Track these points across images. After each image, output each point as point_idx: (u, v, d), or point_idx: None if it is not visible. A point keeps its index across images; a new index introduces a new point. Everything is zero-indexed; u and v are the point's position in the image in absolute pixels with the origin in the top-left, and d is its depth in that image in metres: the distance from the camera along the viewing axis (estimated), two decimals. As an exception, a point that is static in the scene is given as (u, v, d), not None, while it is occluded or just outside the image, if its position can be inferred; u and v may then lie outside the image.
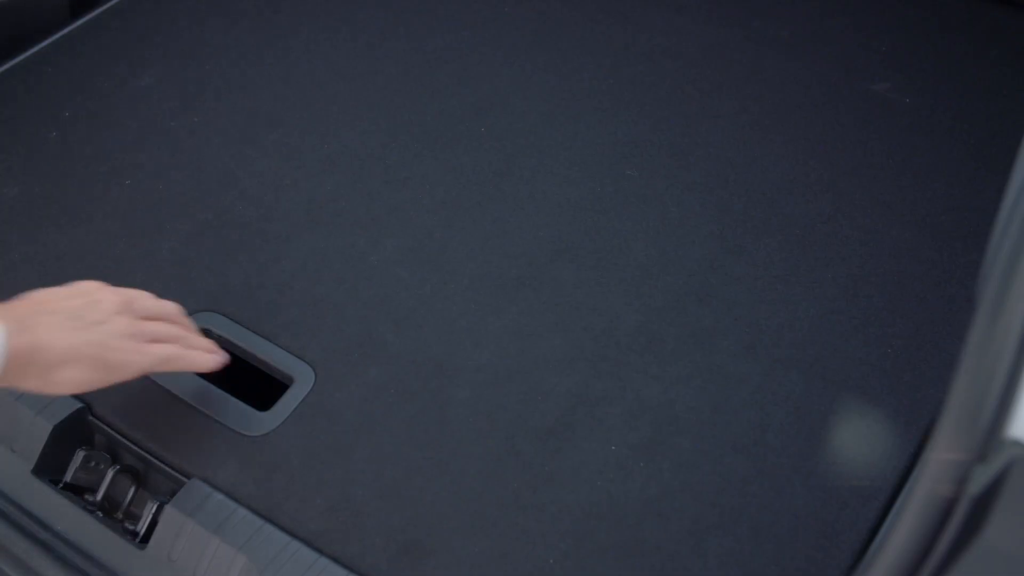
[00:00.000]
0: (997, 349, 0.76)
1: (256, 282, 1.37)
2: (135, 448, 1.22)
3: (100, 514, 1.19)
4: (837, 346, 1.28)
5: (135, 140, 1.56)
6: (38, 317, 1.06)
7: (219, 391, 1.26)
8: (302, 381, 1.27)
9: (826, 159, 1.51)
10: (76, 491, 1.22)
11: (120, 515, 1.21)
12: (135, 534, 1.18)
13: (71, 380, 1.08)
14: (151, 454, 1.21)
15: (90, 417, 1.24)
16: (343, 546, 1.13)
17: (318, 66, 1.68)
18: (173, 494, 1.18)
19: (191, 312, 1.32)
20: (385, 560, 1.12)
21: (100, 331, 1.10)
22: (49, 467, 1.22)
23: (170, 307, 1.21)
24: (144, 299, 1.18)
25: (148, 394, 1.24)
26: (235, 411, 1.24)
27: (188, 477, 1.19)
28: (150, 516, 1.19)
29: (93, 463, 1.22)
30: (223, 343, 1.28)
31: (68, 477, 1.22)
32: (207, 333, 1.28)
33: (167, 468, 1.21)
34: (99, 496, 1.21)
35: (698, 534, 1.13)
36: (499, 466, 1.19)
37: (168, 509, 1.16)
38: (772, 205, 1.45)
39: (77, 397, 1.23)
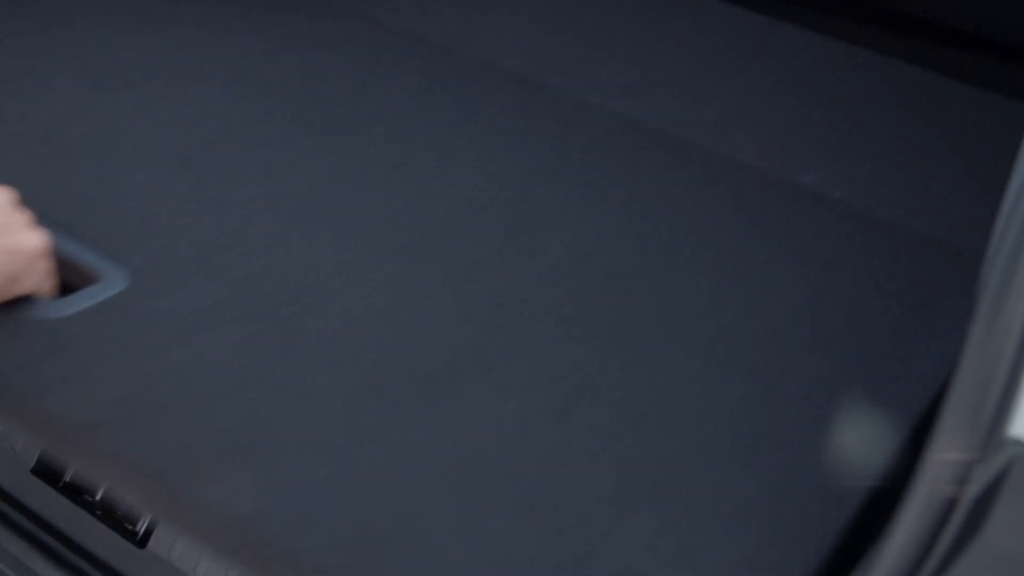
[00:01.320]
0: (997, 349, 0.77)
1: (75, 196, 1.23)
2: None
3: (100, 513, 1.19)
4: (784, 358, 1.18)
5: None
6: None
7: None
8: (112, 282, 1.11)
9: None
10: (75, 491, 1.21)
11: (120, 515, 1.19)
12: (135, 534, 1.17)
13: None
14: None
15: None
16: (125, 438, 0.95)
17: (186, 34, 1.61)
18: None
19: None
20: (187, 465, 0.94)
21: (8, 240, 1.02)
22: (49, 467, 1.21)
23: None
24: None
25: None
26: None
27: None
28: (149, 516, 1.17)
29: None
30: None
31: (68, 477, 1.21)
32: None
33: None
34: (98, 496, 1.20)
35: (621, 504, 0.98)
36: (358, 399, 1.03)
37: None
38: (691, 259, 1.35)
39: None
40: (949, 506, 0.77)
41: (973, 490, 0.77)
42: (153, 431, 0.95)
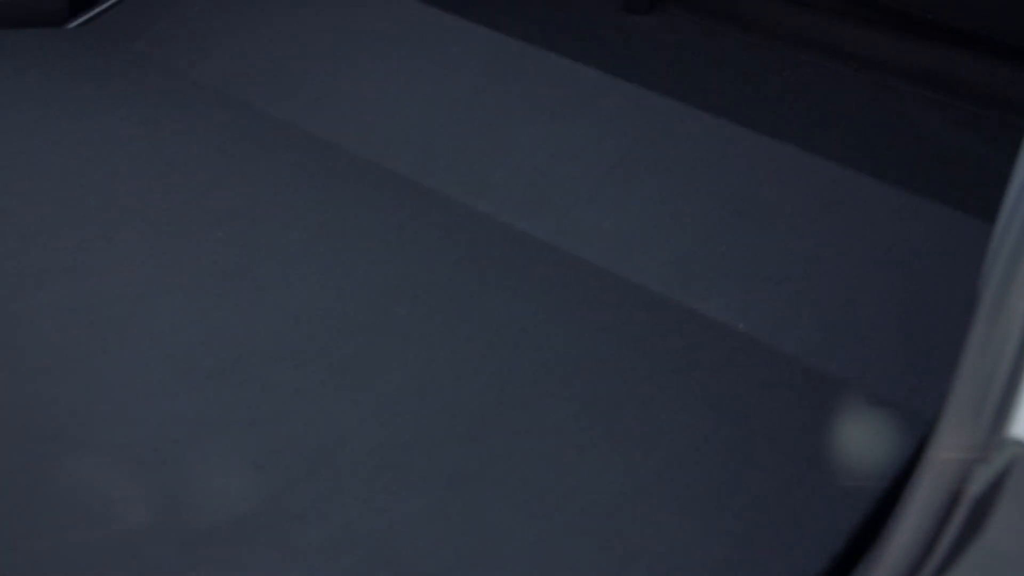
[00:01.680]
0: (997, 349, 0.78)
1: None
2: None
3: None
4: (647, 524, 1.01)
5: None
6: None
7: None
8: None
9: None
10: None
11: None
12: None
13: None
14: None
15: None
16: None
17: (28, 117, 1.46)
18: None
19: None
20: None
21: None
22: None
23: None
24: None
25: None
26: None
27: None
28: None
29: None
30: None
31: None
32: None
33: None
34: None
35: None
36: (106, 567, 0.88)
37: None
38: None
39: None
40: (950, 506, 0.78)
41: (974, 490, 0.78)
42: None
